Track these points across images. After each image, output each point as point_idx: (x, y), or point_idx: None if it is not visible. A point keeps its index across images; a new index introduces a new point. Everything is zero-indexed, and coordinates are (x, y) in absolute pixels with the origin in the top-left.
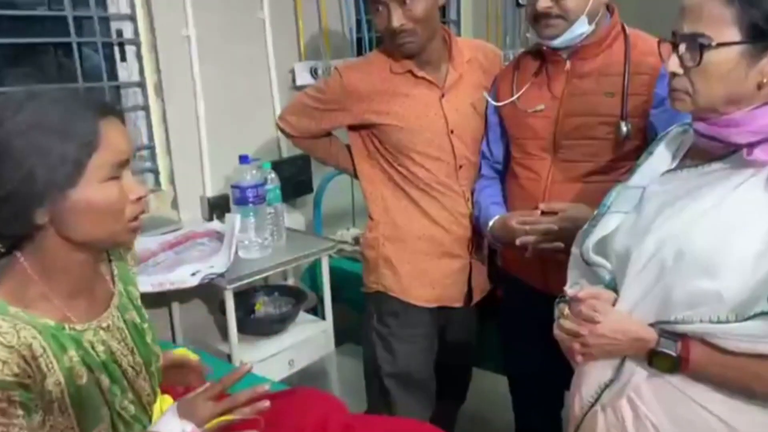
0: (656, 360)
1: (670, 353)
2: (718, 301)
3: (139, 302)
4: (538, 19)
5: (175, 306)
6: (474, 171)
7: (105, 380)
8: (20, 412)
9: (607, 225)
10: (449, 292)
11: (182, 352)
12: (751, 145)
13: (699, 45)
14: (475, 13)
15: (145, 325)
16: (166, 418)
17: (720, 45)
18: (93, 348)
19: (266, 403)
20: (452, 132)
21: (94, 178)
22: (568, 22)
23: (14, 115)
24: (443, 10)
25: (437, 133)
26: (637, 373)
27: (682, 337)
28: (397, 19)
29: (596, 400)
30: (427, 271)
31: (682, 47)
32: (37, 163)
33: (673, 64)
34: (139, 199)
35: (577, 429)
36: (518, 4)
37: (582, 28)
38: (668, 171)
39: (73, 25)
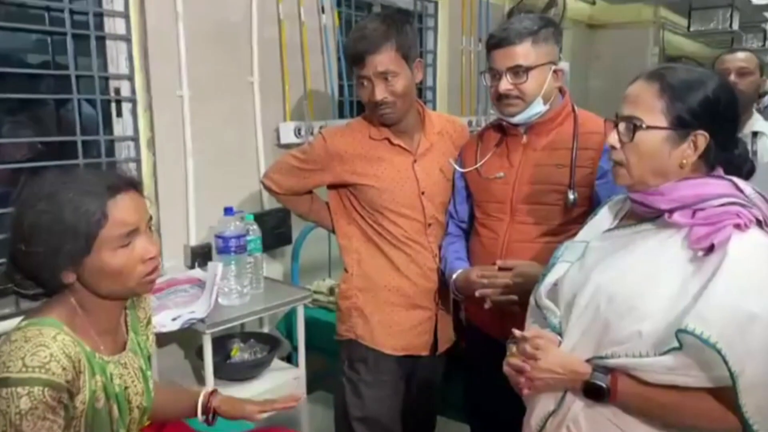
0: (589, 390)
1: (601, 384)
2: (639, 339)
3: (145, 352)
4: (500, 98)
5: (153, 349)
6: (441, 229)
7: (115, 411)
8: (62, 413)
9: (557, 272)
10: (416, 342)
11: None
12: (672, 211)
13: (633, 125)
14: (450, 82)
15: (149, 373)
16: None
17: (649, 127)
18: (112, 379)
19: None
20: (423, 193)
21: (104, 248)
22: (525, 103)
23: (42, 200)
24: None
25: (409, 194)
26: (576, 404)
27: (612, 371)
28: (380, 93)
29: (542, 428)
30: (395, 321)
31: (621, 126)
32: (57, 237)
33: (612, 139)
34: (151, 258)
35: None
36: (481, 74)
37: (538, 108)
38: (608, 230)
39: (75, 82)
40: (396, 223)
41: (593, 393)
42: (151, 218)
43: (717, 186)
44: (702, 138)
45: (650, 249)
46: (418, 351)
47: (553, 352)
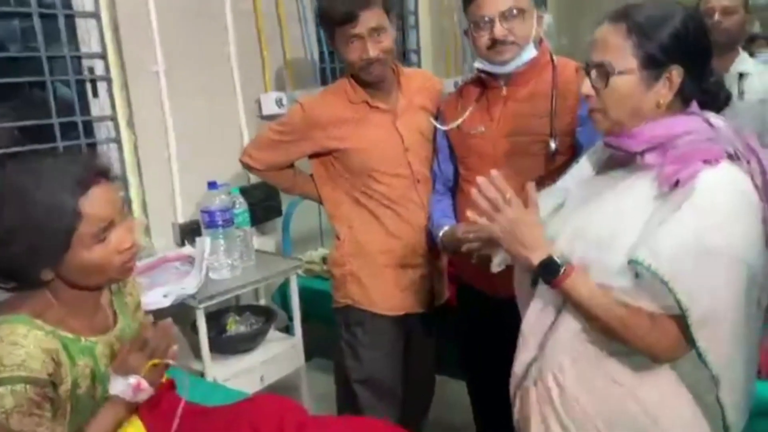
0: (544, 267)
1: (559, 262)
2: (606, 271)
3: (134, 333)
4: (493, 46)
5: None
6: (430, 185)
7: (99, 392)
8: (48, 406)
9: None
10: (413, 300)
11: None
12: (644, 152)
13: (605, 71)
14: (434, 43)
15: None
16: (112, 382)
17: (621, 72)
18: (100, 360)
19: (174, 328)
20: (407, 150)
21: (81, 245)
22: (519, 47)
23: (13, 203)
24: (402, 41)
25: (394, 152)
26: (559, 352)
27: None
28: (373, 50)
29: (524, 375)
30: (390, 282)
31: (593, 73)
32: (32, 240)
33: (586, 88)
34: (128, 248)
35: (514, 404)
36: (465, 33)
37: (530, 53)
38: (588, 178)
39: (46, 63)
40: (385, 182)
41: (546, 270)
42: (124, 205)
43: (687, 122)
44: (676, 73)
45: (622, 191)
46: (415, 309)
47: (532, 217)
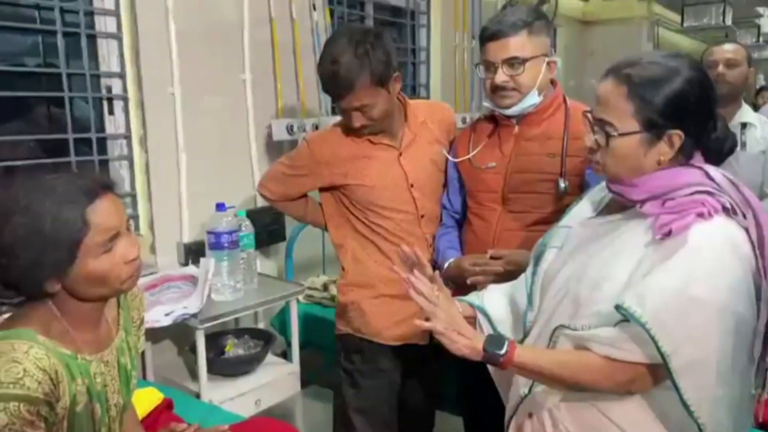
0: (492, 343)
1: (502, 335)
2: (599, 317)
3: (135, 352)
4: (495, 90)
5: (147, 345)
6: (436, 219)
7: (98, 410)
8: (43, 425)
9: (548, 259)
10: (413, 331)
11: (151, 390)
12: (644, 201)
13: (607, 131)
14: (444, 78)
15: (134, 373)
16: None
17: (622, 134)
18: (95, 378)
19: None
20: (412, 186)
21: (87, 255)
22: (521, 94)
23: (18, 213)
24: (413, 75)
25: (399, 188)
26: (548, 391)
27: (512, 340)
28: (358, 122)
29: (515, 411)
30: (392, 312)
31: (596, 128)
32: (39, 250)
33: (589, 140)
34: (134, 259)
35: None
36: (476, 66)
37: (533, 99)
38: (589, 218)
39: (66, 80)
40: (388, 218)
41: (493, 345)
42: (129, 219)
43: (687, 175)
44: (677, 137)
45: (619, 236)
46: (415, 340)
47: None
